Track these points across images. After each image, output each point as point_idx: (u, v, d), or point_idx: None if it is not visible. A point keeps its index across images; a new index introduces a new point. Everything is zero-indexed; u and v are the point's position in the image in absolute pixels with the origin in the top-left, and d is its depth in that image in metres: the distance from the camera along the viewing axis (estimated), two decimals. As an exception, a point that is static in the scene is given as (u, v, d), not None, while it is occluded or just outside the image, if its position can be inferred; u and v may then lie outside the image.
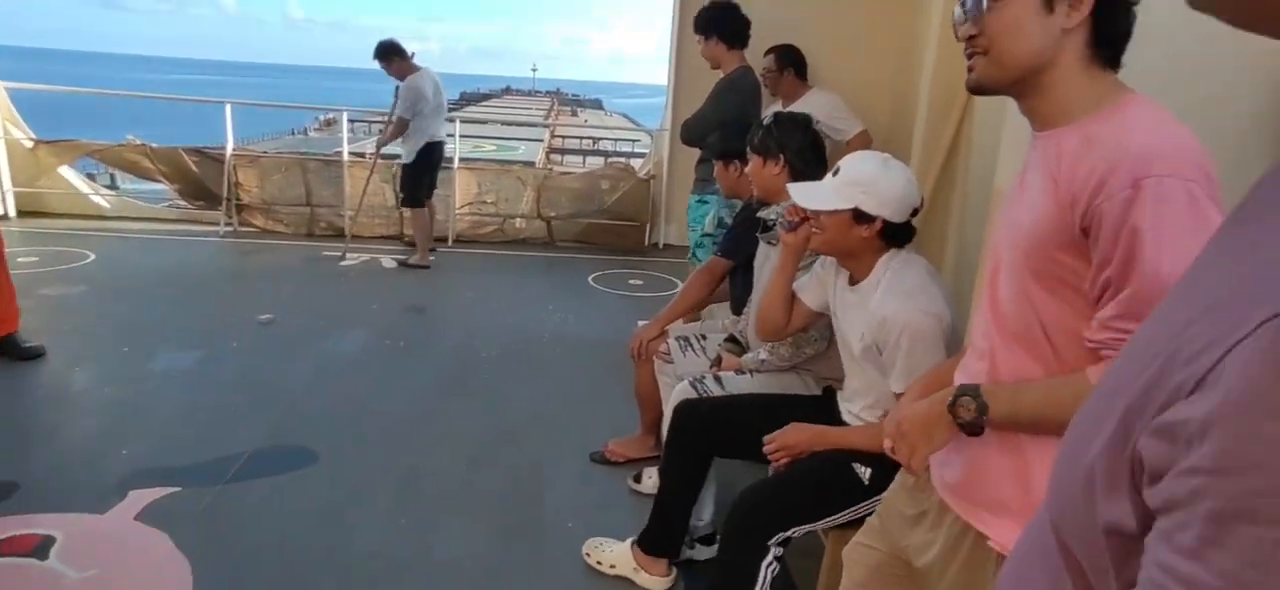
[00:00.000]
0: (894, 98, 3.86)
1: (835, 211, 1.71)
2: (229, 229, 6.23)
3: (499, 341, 4.19)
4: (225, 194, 6.20)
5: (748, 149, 2.41)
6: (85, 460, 2.77)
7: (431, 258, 5.70)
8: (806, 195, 1.76)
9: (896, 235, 1.74)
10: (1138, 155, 0.93)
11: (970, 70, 1.08)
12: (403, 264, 5.65)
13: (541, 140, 29.07)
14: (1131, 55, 1.05)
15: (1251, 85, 1.28)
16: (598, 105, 74.03)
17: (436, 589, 2.21)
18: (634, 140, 27.49)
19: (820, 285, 1.97)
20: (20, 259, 5.03)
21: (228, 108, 6.34)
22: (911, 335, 1.61)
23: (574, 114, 51.42)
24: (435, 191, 5.82)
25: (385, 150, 5.78)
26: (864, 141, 3.67)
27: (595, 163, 19.09)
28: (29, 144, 6.17)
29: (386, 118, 5.50)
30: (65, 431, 3.00)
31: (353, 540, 2.40)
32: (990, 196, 2.20)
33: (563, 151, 24.81)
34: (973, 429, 1.11)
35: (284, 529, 2.43)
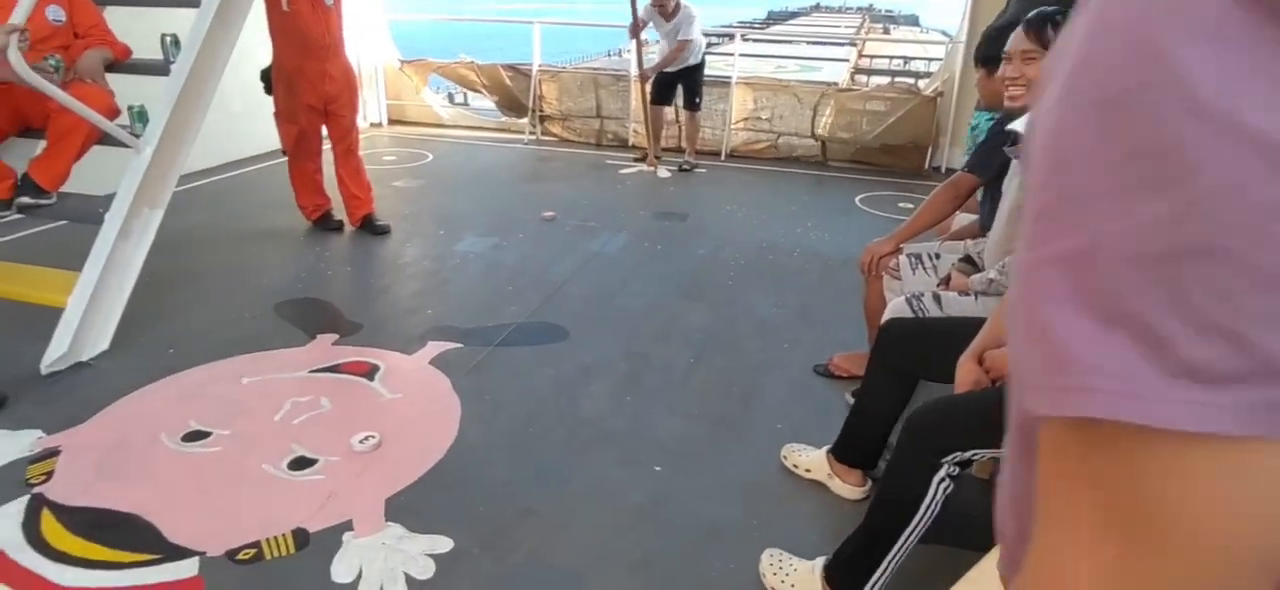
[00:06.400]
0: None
1: None
2: (532, 137, 7.08)
3: (748, 252, 4.30)
4: (531, 106, 7.03)
5: (1026, 34, 2.06)
6: (403, 313, 3.48)
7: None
8: None
9: None
10: None
11: None
12: (681, 169, 6.15)
13: (847, 61, 27.62)
14: None
15: None
16: (913, 21, 68.05)
17: (641, 456, 2.45)
18: (950, 59, 24.82)
19: None
20: (385, 158, 6.28)
21: (536, 28, 7.11)
22: None
23: (886, 32, 47.94)
24: (709, 107, 6.22)
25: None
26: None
27: (906, 85, 17.68)
28: (397, 65, 7.55)
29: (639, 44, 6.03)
30: (394, 291, 3.77)
31: (582, 406, 2.74)
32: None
33: (870, 72, 23.27)
34: None
35: (531, 388, 2.85)
